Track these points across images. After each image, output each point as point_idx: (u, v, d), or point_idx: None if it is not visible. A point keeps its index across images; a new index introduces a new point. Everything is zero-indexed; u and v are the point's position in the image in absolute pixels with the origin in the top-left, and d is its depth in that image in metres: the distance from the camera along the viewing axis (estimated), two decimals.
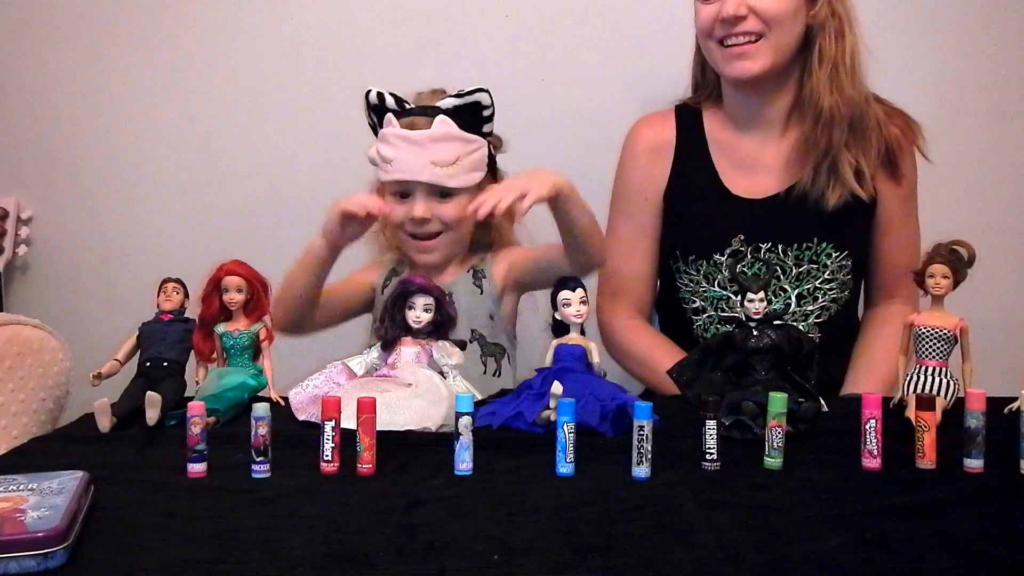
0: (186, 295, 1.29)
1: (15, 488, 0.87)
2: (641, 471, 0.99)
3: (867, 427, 1.02)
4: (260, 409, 1.00)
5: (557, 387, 1.12)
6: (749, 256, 1.59)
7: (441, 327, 1.26)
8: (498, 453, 1.07)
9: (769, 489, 0.96)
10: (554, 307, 1.22)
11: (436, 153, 1.46)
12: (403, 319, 1.26)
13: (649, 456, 0.99)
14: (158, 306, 1.29)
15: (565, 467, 1.01)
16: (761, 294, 1.17)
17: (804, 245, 1.59)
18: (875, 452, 1.02)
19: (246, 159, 2.08)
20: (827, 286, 1.60)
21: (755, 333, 1.16)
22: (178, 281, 1.29)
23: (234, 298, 1.27)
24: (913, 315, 1.20)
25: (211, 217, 2.08)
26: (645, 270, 1.69)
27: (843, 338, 1.65)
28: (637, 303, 1.69)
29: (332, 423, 1.01)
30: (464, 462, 1.01)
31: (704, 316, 1.64)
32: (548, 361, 1.22)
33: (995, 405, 1.06)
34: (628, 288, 1.69)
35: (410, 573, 0.76)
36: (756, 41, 1.50)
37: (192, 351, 1.28)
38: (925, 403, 1.03)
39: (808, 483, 0.98)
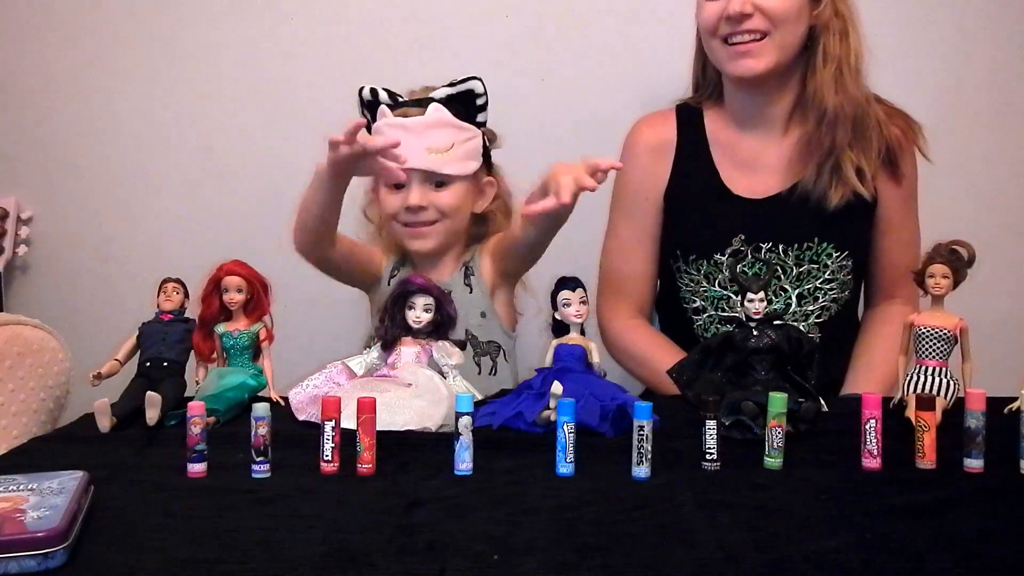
0: (186, 295, 1.29)
1: (15, 488, 0.87)
2: (641, 471, 0.99)
3: (867, 427, 1.02)
4: (260, 409, 1.00)
5: (557, 387, 1.12)
6: (749, 256, 1.59)
7: (441, 327, 1.26)
8: (498, 453, 1.07)
9: (769, 489, 0.96)
10: (554, 307, 1.22)
11: (431, 139, 1.46)
12: (403, 319, 1.26)
13: (649, 456, 0.99)
14: (158, 306, 1.29)
15: (565, 467, 1.01)
16: (761, 294, 1.17)
17: (805, 245, 1.59)
18: (875, 452, 1.02)
19: (246, 159, 2.08)
20: (827, 286, 1.60)
21: (755, 333, 1.16)
22: (178, 281, 1.29)
23: (234, 298, 1.27)
24: (913, 315, 1.20)
25: (211, 217, 2.08)
26: (645, 270, 1.69)
27: (843, 338, 1.65)
28: (637, 303, 1.69)
29: (332, 423, 1.01)
30: (464, 462, 1.01)
31: (704, 316, 1.64)
32: (548, 361, 1.22)
33: (995, 405, 1.06)
34: (628, 288, 1.69)
35: (410, 573, 0.76)
36: (761, 39, 1.50)
37: (192, 351, 1.28)
38: (925, 403, 1.03)
39: (808, 483, 0.98)
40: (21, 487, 0.87)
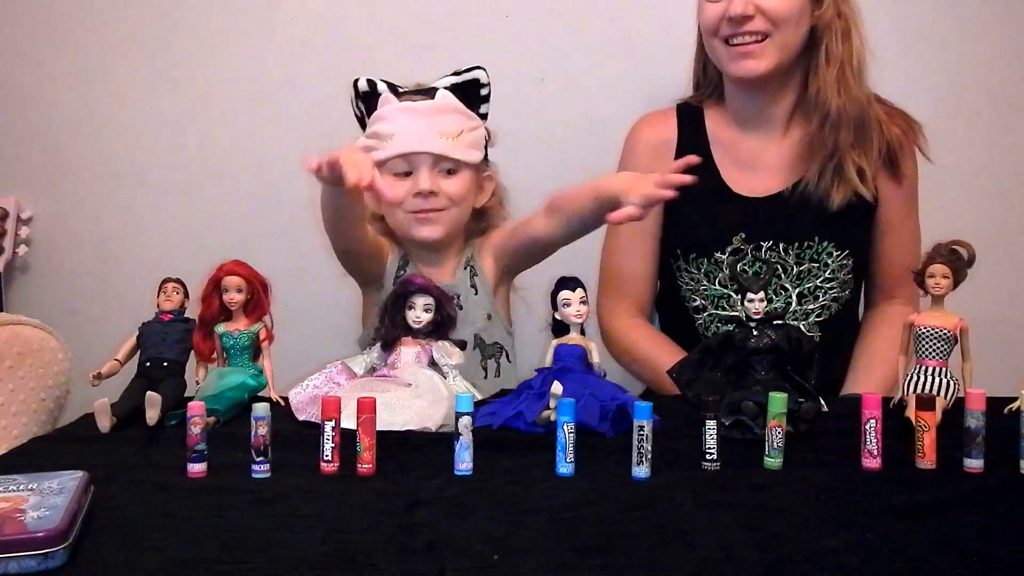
0: (186, 295, 1.29)
1: (15, 488, 0.87)
2: (641, 471, 0.99)
3: (867, 427, 1.02)
4: (260, 409, 1.00)
5: (557, 387, 1.12)
6: (750, 255, 1.59)
7: (441, 327, 1.26)
8: (498, 453, 1.07)
9: (769, 489, 0.96)
10: (554, 307, 1.22)
11: (441, 124, 1.43)
12: (403, 319, 1.26)
13: (649, 456, 0.99)
14: (158, 306, 1.28)
15: (565, 467, 1.01)
16: (761, 294, 1.17)
17: (805, 244, 1.59)
18: (875, 452, 1.02)
19: (246, 159, 2.08)
20: (828, 285, 1.60)
21: (755, 333, 1.16)
22: (178, 281, 1.29)
23: (234, 298, 1.27)
24: (913, 315, 1.20)
25: (211, 217, 2.08)
26: (646, 268, 1.69)
27: (843, 337, 1.65)
28: (637, 302, 1.69)
29: (332, 423, 1.01)
30: (464, 462, 1.01)
31: (705, 315, 1.64)
32: (548, 361, 1.22)
33: (995, 405, 1.06)
34: (628, 287, 1.69)
35: (410, 573, 0.76)
36: (762, 41, 1.50)
37: (192, 351, 1.28)
38: (925, 403, 1.03)
39: (808, 483, 0.98)
40: (21, 487, 0.87)
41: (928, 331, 1.17)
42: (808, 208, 1.57)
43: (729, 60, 1.55)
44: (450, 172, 1.45)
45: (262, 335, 1.29)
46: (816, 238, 1.59)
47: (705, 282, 1.63)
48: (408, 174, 1.44)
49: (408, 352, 1.25)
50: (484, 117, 1.50)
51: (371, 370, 1.27)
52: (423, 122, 1.41)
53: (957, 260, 1.17)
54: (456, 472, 1.01)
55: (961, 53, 1.99)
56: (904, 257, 1.60)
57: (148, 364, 1.25)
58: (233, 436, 1.10)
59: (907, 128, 1.62)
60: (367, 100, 1.47)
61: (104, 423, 1.15)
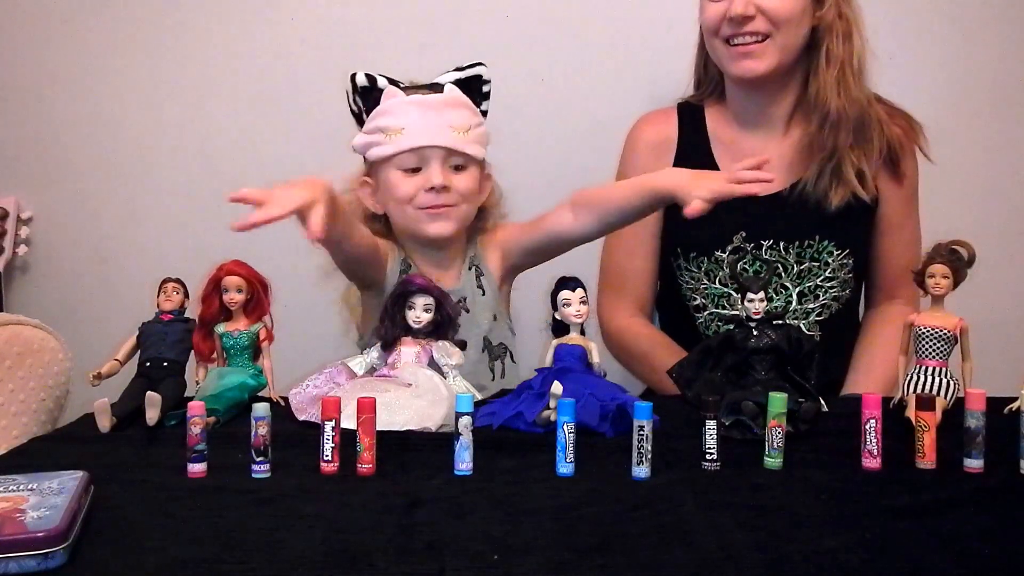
0: (186, 295, 1.29)
1: (15, 488, 0.87)
2: (641, 471, 0.99)
3: (867, 427, 1.02)
4: (260, 409, 0.99)
5: (557, 387, 1.12)
6: (750, 254, 1.59)
7: (441, 327, 1.26)
8: (498, 453, 1.06)
9: (769, 489, 0.96)
10: (554, 307, 1.22)
11: (451, 117, 1.39)
12: (403, 319, 1.25)
13: (649, 456, 0.99)
14: (158, 306, 1.28)
15: (565, 467, 1.01)
16: (761, 294, 1.17)
17: (806, 243, 1.59)
18: (875, 452, 1.02)
19: (246, 159, 2.07)
20: (828, 284, 1.61)
21: (755, 333, 1.16)
22: (178, 281, 1.29)
23: (234, 298, 1.27)
24: (913, 315, 1.20)
25: (211, 217, 2.07)
26: (646, 267, 1.69)
27: (844, 337, 1.65)
28: (638, 301, 1.70)
29: (332, 423, 1.01)
30: (464, 462, 1.01)
31: (705, 313, 1.64)
32: (548, 361, 1.22)
33: (995, 405, 1.06)
34: (629, 285, 1.69)
35: (410, 573, 0.76)
36: (763, 41, 1.51)
37: (192, 351, 1.28)
38: (925, 403, 1.03)
39: (808, 483, 0.98)
40: (21, 487, 0.87)
41: (928, 331, 1.17)
42: (807, 208, 1.57)
43: (729, 60, 1.55)
44: (460, 168, 1.41)
45: (262, 335, 1.28)
46: (816, 237, 1.59)
47: (706, 281, 1.63)
48: (417, 170, 1.40)
49: (408, 352, 1.25)
50: (484, 114, 1.47)
51: (371, 370, 1.27)
52: (433, 115, 1.38)
53: (957, 260, 1.17)
54: (456, 472, 1.01)
55: (962, 53, 1.99)
56: (904, 257, 1.60)
57: (148, 364, 1.25)
58: (233, 436, 1.10)
59: (908, 128, 1.62)
60: (365, 96, 1.42)
61: (104, 423, 1.15)
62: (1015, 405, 1.13)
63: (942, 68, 1.99)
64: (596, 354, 1.22)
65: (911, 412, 1.09)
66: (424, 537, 0.83)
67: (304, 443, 1.07)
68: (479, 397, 1.26)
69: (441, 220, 1.41)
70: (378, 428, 1.03)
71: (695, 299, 1.65)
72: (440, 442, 1.07)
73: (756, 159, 1.29)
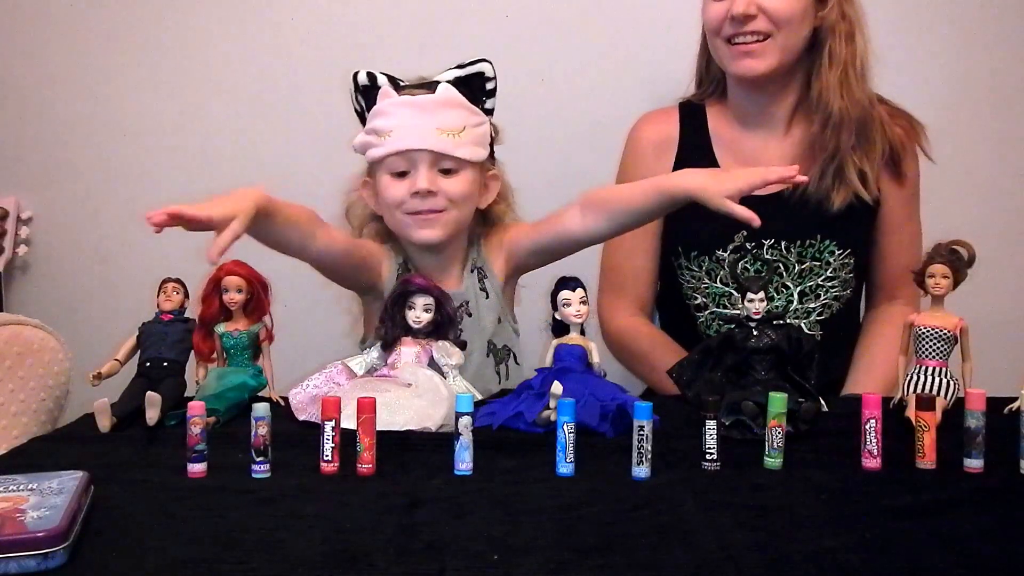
0: (186, 295, 1.29)
1: (15, 488, 0.87)
2: (641, 471, 0.99)
3: (867, 427, 1.02)
4: (260, 409, 0.99)
5: (557, 387, 1.12)
6: (751, 253, 1.59)
7: (441, 327, 1.26)
8: (498, 453, 1.06)
9: (769, 489, 0.96)
10: (554, 307, 1.22)
11: (441, 119, 1.35)
12: (403, 319, 1.25)
13: (649, 456, 0.99)
14: (158, 306, 1.28)
15: (565, 467, 1.01)
16: (761, 294, 1.17)
17: (807, 242, 1.59)
18: (875, 452, 1.02)
19: (246, 159, 2.08)
20: (829, 283, 1.61)
21: (755, 333, 1.16)
22: (178, 281, 1.29)
23: (234, 298, 1.27)
24: (913, 315, 1.20)
25: None
26: (647, 266, 1.69)
27: (844, 336, 1.65)
28: (638, 300, 1.69)
29: (332, 423, 1.01)
30: (464, 462, 1.01)
31: (706, 313, 1.64)
32: (548, 361, 1.22)
33: (995, 405, 1.06)
34: (629, 285, 1.69)
35: (410, 573, 0.76)
36: (764, 40, 1.51)
37: (192, 351, 1.27)
38: (925, 403, 1.03)
39: (808, 483, 0.98)
40: (21, 487, 0.87)
41: (928, 331, 1.17)
42: (809, 207, 1.57)
43: (730, 59, 1.55)
44: (450, 171, 1.37)
45: (262, 335, 1.28)
46: (818, 236, 1.59)
47: (706, 280, 1.63)
48: (406, 173, 1.37)
49: (408, 352, 1.25)
50: (490, 113, 1.43)
51: (371, 370, 1.27)
52: (422, 117, 1.35)
53: (957, 260, 1.17)
54: (456, 472, 1.01)
55: (963, 53, 1.99)
56: (906, 257, 1.60)
57: (148, 364, 1.25)
58: (233, 436, 1.10)
59: (910, 129, 1.62)
60: (367, 94, 1.41)
61: (104, 423, 1.15)
62: (1015, 405, 1.13)
63: (943, 68, 1.99)
64: (596, 354, 1.22)
65: (911, 412, 1.09)
66: (424, 537, 0.83)
67: (304, 443, 1.07)
68: (479, 397, 1.26)
69: (428, 227, 1.38)
70: (378, 428, 1.03)
71: (696, 298, 1.65)
72: (440, 442, 1.07)
73: (790, 168, 1.29)
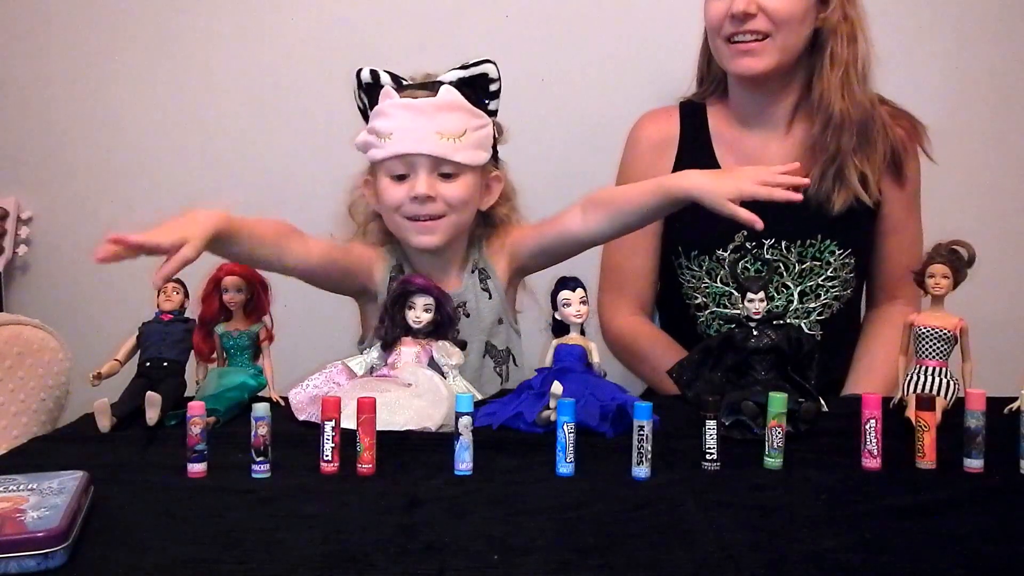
0: (186, 295, 1.29)
1: (15, 488, 0.87)
2: (641, 471, 0.99)
3: (867, 427, 1.02)
4: (260, 409, 0.99)
5: (557, 387, 1.12)
6: (751, 253, 1.59)
7: (441, 327, 1.26)
8: (498, 453, 1.06)
9: (769, 489, 0.96)
10: (554, 307, 1.22)
11: (442, 123, 1.33)
12: (403, 319, 1.25)
13: (649, 456, 0.99)
14: (158, 306, 1.28)
15: (565, 467, 1.01)
16: (761, 294, 1.17)
17: (807, 242, 1.59)
18: (875, 452, 1.02)
19: (246, 159, 2.07)
20: (830, 283, 1.61)
21: (755, 333, 1.16)
22: (178, 281, 1.29)
23: (234, 298, 1.27)
24: (913, 315, 1.20)
25: None
26: (647, 266, 1.69)
27: (845, 336, 1.65)
28: (638, 299, 1.69)
29: (332, 423, 1.01)
30: (464, 462, 1.01)
31: (706, 312, 1.64)
32: (548, 361, 1.22)
33: (995, 405, 1.06)
34: (629, 284, 1.69)
35: (410, 573, 0.76)
36: (763, 40, 1.51)
37: (192, 351, 1.27)
38: (925, 403, 1.03)
39: (808, 483, 0.98)
40: (21, 487, 0.87)
41: (928, 331, 1.17)
42: (810, 209, 1.57)
43: (729, 58, 1.55)
44: (450, 176, 1.36)
45: (262, 335, 1.28)
46: (819, 236, 1.59)
47: (707, 280, 1.63)
48: (405, 176, 1.36)
49: (408, 352, 1.25)
50: (493, 114, 1.42)
51: (371, 370, 1.27)
52: (422, 121, 1.33)
53: (957, 260, 1.17)
54: (456, 472, 1.01)
55: (964, 54, 1.99)
56: (906, 258, 1.60)
57: (148, 364, 1.25)
58: (233, 436, 1.10)
59: (911, 129, 1.62)
60: (370, 92, 1.40)
61: (104, 423, 1.15)
62: (1015, 405, 1.13)
63: (943, 68, 1.99)
64: (596, 354, 1.22)
65: (911, 412, 1.09)
66: (424, 537, 0.83)
67: (304, 443, 1.07)
68: (479, 397, 1.26)
69: (427, 233, 1.37)
70: (378, 428, 1.03)
71: (696, 298, 1.65)
72: (440, 442, 1.07)
73: (791, 166, 1.29)
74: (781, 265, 1.59)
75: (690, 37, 1.69)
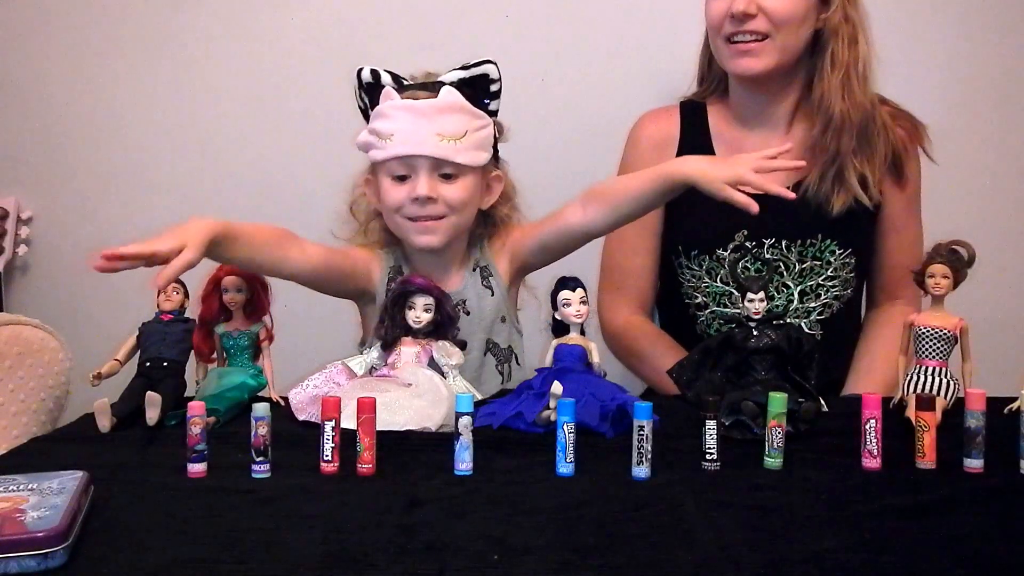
0: (186, 295, 1.29)
1: (15, 488, 0.87)
2: (641, 471, 0.99)
3: (867, 427, 1.02)
4: (260, 409, 0.99)
5: (557, 387, 1.12)
6: (752, 252, 1.59)
7: (441, 327, 1.26)
8: (498, 453, 1.07)
9: (769, 489, 0.96)
10: (554, 307, 1.22)
11: (442, 124, 1.34)
12: (403, 319, 1.25)
13: (649, 456, 0.99)
14: (158, 306, 1.28)
15: (565, 467, 1.01)
16: (761, 294, 1.17)
17: (808, 242, 1.59)
18: (875, 452, 1.02)
19: (246, 159, 2.08)
20: (830, 283, 1.61)
21: (755, 333, 1.16)
22: (178, 281, 1.28)
23: (234, 298, 1.27)
24: (913, 315, 1.20)
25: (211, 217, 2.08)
26: (647, 265, 1.69)
27: (845, 336, 1.65)
28: (638, 299, 1.69)
29: (332, 423, 1.01)
30: (464, 462, 1.01)
31: (706, 312, 1.64)
32: (548, 361, 1.22)
33: (995, 405, 1.06)
34: (630, 284, 1.69)
35: (410, 573, 0.76)
36: (762, 40, 1.51)
37: (192, 351, 1.28)
38: (925, 403, 1.03)
39: (808, 483, 0.98)
40: (21, 487, 0.87)
41: (928, 331, 1.17)
42: (809, 208, 1.57)
43: (729, 57, 1.55)
44: (451, 177, 1.36)
45: (262, 335, 1.29)
46: (819, 236, 1.59)
47: (707, 279, 1.63)
48: (406, 177, 1.37)
49: (408, 352, 1.25)
50: (493, 114, 1.42)
51: (371, 370, 1.27)
52: (423, 122, 1.34)
53: (957, 260, 1.17)
54: (456, 472, 1.01)
55: (964, 53, 1.99)
56: (907, 258, 1.60)
57: (148, 364, 1.25)
58: (233, 436, 1.10)
59: (912, 130, 1.62)
60: (371, 91, 1.40)
61: (104, 423, 1.15)
62: (1015, 405, 1.13)
63: (944, 68, 1.99)
64: (596, 354, 1.22)
65: (911, 412, 1.09)
66: (424, 537, 0.83)
67: (304, 443, 1.07)
68: (479, 397, 1.26)
69: (428, 234, 1.38)
70: (378, 428, 1.03)
71: (696, 298, 1.65)
72: (440, 442, 1.07)
73: (781, 148, 1.29)
74: (781, 265, 1.59)
75: (690, 37, 1.69)
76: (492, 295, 1.45)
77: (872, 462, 1.02)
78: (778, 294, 1.60)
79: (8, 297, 2.07)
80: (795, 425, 1.10)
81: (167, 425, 1.17)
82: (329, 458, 1.01)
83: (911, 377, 1.18)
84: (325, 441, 1.01)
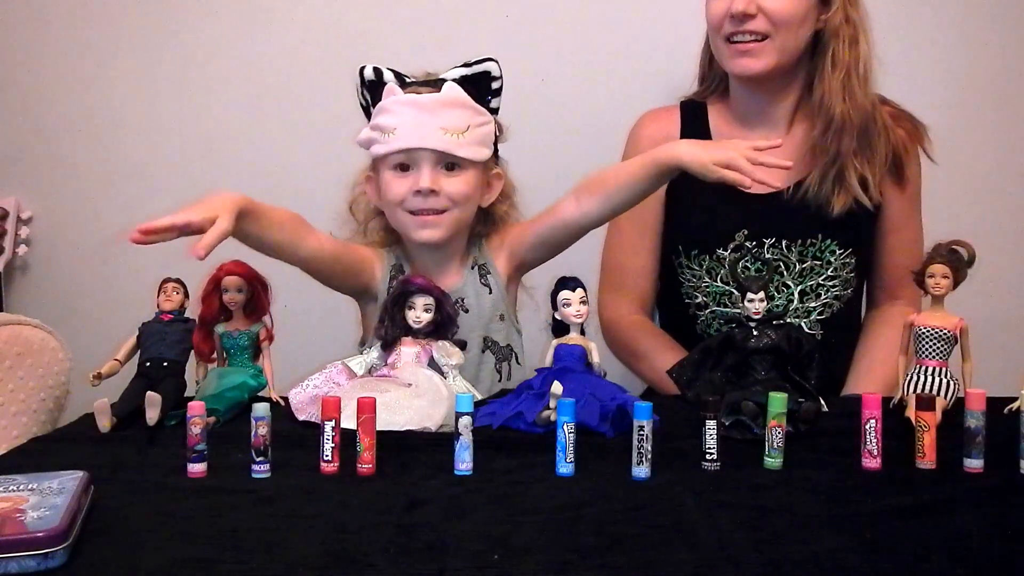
0: (186, 295, 1.29)
1: (15, 488, 0.87)
2: (641, 471, 0.99)
3: (867, 427, 1.02)
4: (260, 409, 0.99)
5: (557, 387, 1.12)
6: (752, 252, 1.59)
7: (441, 327, 1.26)
8: (498, 453, 1.07)
9: (769, 489, 0.96)
10: (554, 307, 1.22)
11: (446, 119, 1.36)
12: (403, 319, 1.25)
13: (649, 456, 0.99)
14: (158, 306, 1.28)
15: (565, 467, 1.01)
16: (761, 294, 1.17)
17: (808, 241, 1.59)
18: (875, 452, 1.02)
19: (246, 158, 2.07)
20: (830, 283, 1.61)
21: (755, 333, 1.16)
22: (178, 281, 1.29)
23: (234, 298, 1.27)
24: (913, 315, 1.20)
25: None
26: (647, 265, 1.69)
27: (845, 336, 1.65)
28: (639, 298, 1.69)
29: (332, 423, 1.01)
30: (464, 462, 1.01)
31: (706, 312, 1.64)
32: (548, 361, 1.22)
33: (995, 405, 1.06)
34: (630, 283, 1.69)
35: (410, 573, 0.76)
36: (762, 40, 1.51)
37: (192, 351, 1.27)
38: (925, 403, 1.03)
39: (808, 483, 0.98)
40: (21, 487, 0.87)
41: (928, 331, 1.17)
42: (810, 208, 1.57)
43: (728, 57, 1.55)
44: (453, 170, 1.38)
45: (262, 335, 1.28)
46: (819, 236, 1.59)
47: (707, 279, 1.63)
48: (408, 171, 1.38)
49: (408, 352, 1.25)
50: (495, 112, 1.43)
51: (371, 370, 1.27)
52: (426, 117, 1.35)
53: (957, 260, 1.17)
54: (456, 472, 1.01)
55: (964, 54, 1.99)
56: (907, 258, 1.60)
57: (148, 364, 1.25)
58: (233, 436, 1.10)
59: (912, 130, 1.62)
60: (373, 89, 1.41)
61: (104, 423, 1.15)
62: (1015, 405, 1.13)
63: (944, 68, 1.99)
64: (596, 354, 1.22)
65: (911, 412, 1.09)
66: (424, 537, 0.83)
67: (304, 443, 1.07)
68: (479, 397, 1.26)
69: (429, 228, 1.39)
70: (378, 428, 1.03)
71: (696, 297, 1.65)
72: (440, 442, 1.07)
73: (770, 143, 1.30)
74: (781, 264, 1.59)
75: (690, 37, 1.69)
76: (490, 293, 1.46)
77: (872, 462, 1.02)
78: (778, 294, 1.60)
79: (8, 297, 2.07)
80: (795, 425, 1.10)
81: (167, 425, 1.17)
82: (329, 458, 1.01)
83: (911, 377, 1.18)
84: (325, 441, 1.01)
